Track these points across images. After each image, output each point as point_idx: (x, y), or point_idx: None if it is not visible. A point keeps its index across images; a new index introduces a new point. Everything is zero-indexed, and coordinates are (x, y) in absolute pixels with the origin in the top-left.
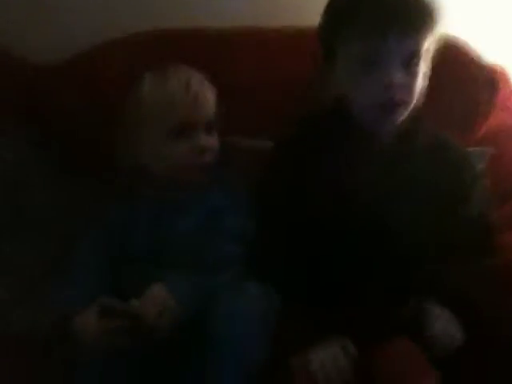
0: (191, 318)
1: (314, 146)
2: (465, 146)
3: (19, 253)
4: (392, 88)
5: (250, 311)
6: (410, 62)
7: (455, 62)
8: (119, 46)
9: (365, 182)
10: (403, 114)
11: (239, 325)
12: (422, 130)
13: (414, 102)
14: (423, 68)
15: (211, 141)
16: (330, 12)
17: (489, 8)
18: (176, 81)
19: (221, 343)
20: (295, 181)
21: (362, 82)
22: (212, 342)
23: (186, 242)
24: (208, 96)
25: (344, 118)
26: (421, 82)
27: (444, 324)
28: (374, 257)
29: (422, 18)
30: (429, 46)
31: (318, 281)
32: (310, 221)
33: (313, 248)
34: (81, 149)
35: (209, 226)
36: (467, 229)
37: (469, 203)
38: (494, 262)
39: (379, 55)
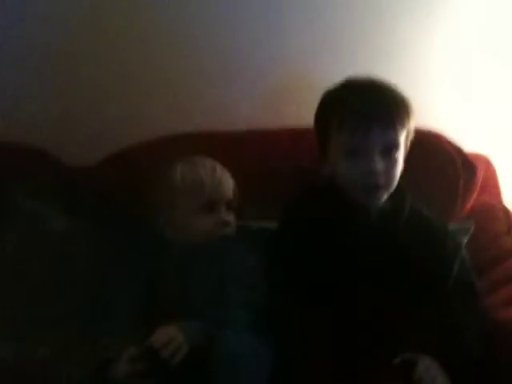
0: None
1: (313, 217)
2: (448, 221)
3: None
4: (373, 174)
5: (250, 354)
6: (390, 151)
7: (437, 149)
8: (148, 147)
9: (355, 252)
10: (384, 195)
11: (240, 364)
12: (406, 208)
13: (394, 184)
14: (401, 155)
15: (231, 217)
16: (321, 110)
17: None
18: (203, 167)
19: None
20: (298, 244)
21: (349, 168)
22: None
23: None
24: (229, 180)
25: (337, 195)
26: (400, 167)
27: (432, 374)
28: (367, 313)
29: (397, 114)
30: (406, 136)
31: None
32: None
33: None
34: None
35: (222, 288)
36: (454, 292)
37: (452, 271)
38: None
39: (363, 146)
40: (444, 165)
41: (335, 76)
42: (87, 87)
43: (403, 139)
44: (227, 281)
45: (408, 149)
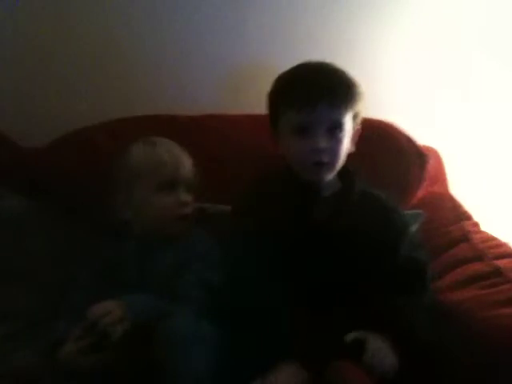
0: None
1: (269, 197)
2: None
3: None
4: (317, 152)
5: (195, 338)
6: (335, 130)
7: (391, 140)
8: (106, 128)
9: (307, 230)
10: (328, 172)
11: (183, 347)
12: (355, 188)
13: (339, 162)
14: (347, 135)
15: (190, 197)
16: (272, 90)
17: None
18: (161, 146)
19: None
20: (251, 223)
21: (296, 145)
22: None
23: (159, 279)
24: (188, 160)
25: (290, 175)
26: (345, 146)
27: (381, 356)
28: (320, 289)
29: (343, 94)
30: (353, 117)
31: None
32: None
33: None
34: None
35: (180, 268)
36: (403, 268)
37: (400, 247)
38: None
39: (309, 124)
40: (396, 154)
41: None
42: (43, 67)
43: (349, 120)
44: (184, 261)
45: (359, 132)
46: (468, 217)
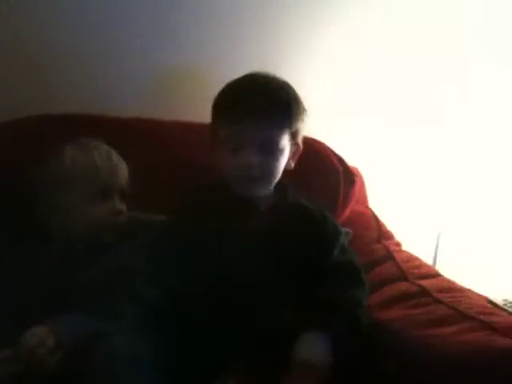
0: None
1: (205, 210)
2: None
3: None
4: (248, 166)
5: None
6: (267, 147)
7: (321, 158)
8: (27, 124)
9: (245, 242)
10: (261, 186)
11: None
12: (289, 200)
13: (272, 177)
14: (282, 152)
15: (124, 206)
16: (213, 105)
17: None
18: (97, 151)
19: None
20: (186, 234)
21: (229, 160)
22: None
23: (90, 289)
24: (124, 167)
25: (227, 188)
26: (281, 163)
27: (313, 349)
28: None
29: (276, 114)
30: (291, 135)
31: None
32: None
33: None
34: None
35: (112, 281)
36: (337, 269)
37: (333, 252)
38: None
39: (240, 140)
40: (327, 172)
41: (232, 73)
42: None
43: (285, 138)
44: (117, 273)
45: (299, 149)
46: (390, 236)
